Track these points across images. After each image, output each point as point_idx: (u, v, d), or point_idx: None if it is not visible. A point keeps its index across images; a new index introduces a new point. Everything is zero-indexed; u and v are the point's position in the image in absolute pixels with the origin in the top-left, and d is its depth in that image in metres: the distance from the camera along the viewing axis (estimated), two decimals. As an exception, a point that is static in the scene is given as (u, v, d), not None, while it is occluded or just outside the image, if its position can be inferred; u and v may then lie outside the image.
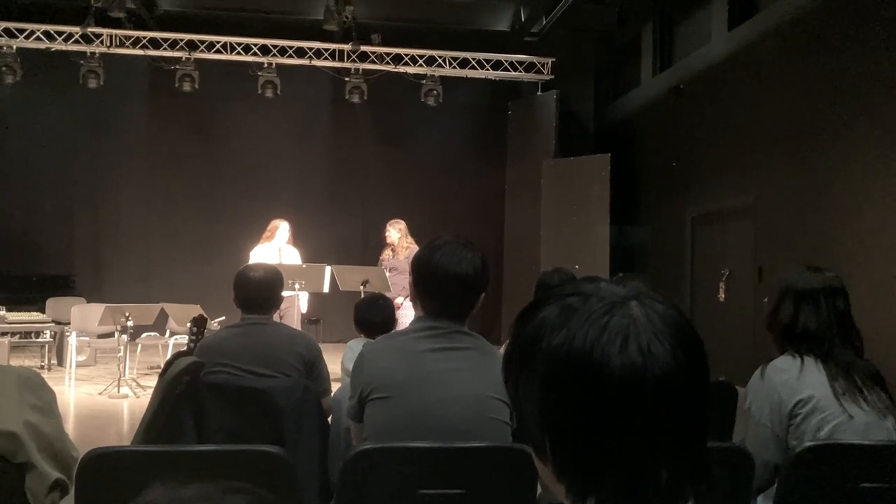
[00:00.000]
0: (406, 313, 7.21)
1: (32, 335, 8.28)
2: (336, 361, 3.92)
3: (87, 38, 9.84)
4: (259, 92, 10.14)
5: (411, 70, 10.53)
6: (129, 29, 9.94)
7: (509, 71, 10.85)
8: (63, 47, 9.90)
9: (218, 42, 10.24)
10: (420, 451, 1.94)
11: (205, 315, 3.69)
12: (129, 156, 11.26)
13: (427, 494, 1.91)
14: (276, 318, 3.79)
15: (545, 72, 10.84)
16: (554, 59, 10.79)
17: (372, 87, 10.35)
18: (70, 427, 5.68)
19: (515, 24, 11.00)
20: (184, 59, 10.04)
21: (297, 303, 7.42)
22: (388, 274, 7.53)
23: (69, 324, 8.28)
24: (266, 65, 10.16)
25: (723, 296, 8.33)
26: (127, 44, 10.07)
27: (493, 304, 9.96)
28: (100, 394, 7.25)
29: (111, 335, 7.77)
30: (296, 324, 7.18)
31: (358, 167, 11.63)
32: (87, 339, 8.19)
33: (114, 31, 9.91)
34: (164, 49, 10.11)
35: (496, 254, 10.50)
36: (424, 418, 2.04)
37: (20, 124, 10.91)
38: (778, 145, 7.47)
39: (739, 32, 8.18)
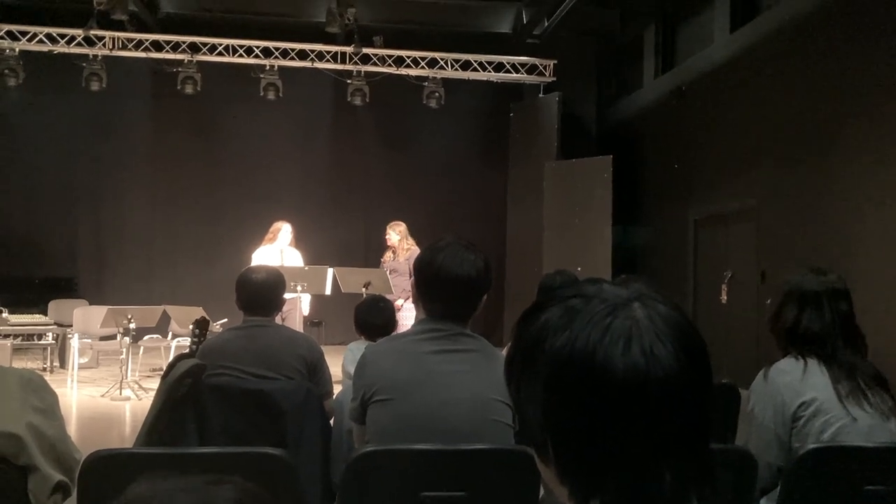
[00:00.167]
0: (407, 315, 7.22)
1: (35, 337, 8.28)
2: (338, 364, 3.92)
3: (89, 41, 9.86)
4: (261, 94, 10.15)
5: (413, 72, 10.53)
6: (132, 31, 9.95)
7: (511, 73, 10.85)
8: (66, 50, 9.92)
9: (220, 44, 10.25)
10: (423, 453, 1.94)
11: (207, 317, 3.69)
12: (131, 158, 11.27)
13: (429, 497, 1.91)
14: (278, 320, 3.79)
15: (547, 74, 10.85)
16: (556, 62, 10.79)
17: (374, 89, 10.36)
18: (72, 429, 5.68)
19: (517, 26, 11.01)
20: (186, 61, 10.06)
21: (299, 305, 7.42)
22: (388, 276, 7.54)
23: (71, 326, 8.28)
24: (268, 67, 10.17)
25: (725, 298, 8.31)
26: (129, 46, 10.08)
27: (496, 306, 9.96)
28: (102, 396, 7.25)
29: (113, 337, 7.76)
30: (298, 326, 7.18)
31: (360, 169, 11.64)
32: (89, 341, 8.19)
33: (116, 34, 9.92)
34: (167, 51, 10.13)
35: (498, 256, 10.49)
36: (427, 420, 2.03)
37: (23, 127, 10.92)
38: (780, 147, 7.47)
39: (741, 34, 8.18)
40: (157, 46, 10.14)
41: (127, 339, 7.22)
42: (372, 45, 10.25)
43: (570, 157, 10.33)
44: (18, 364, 7.42)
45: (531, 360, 0.83)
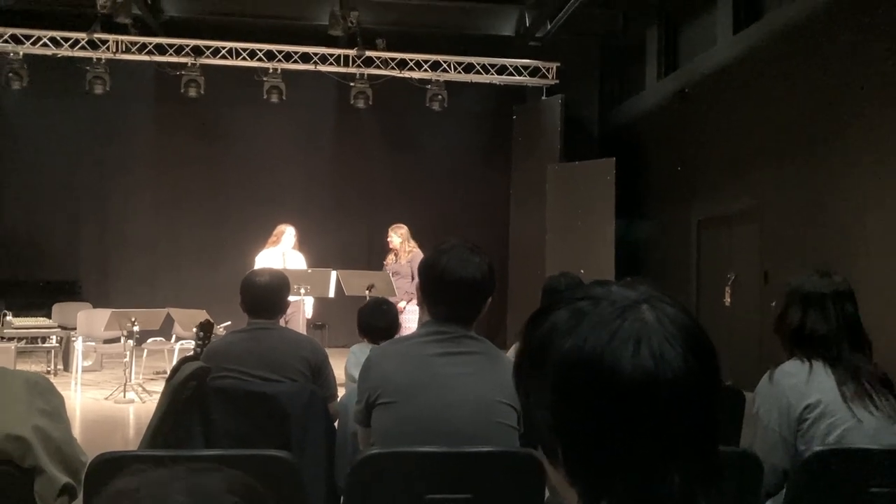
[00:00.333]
0: (409, 318, 7.23)
1: (39, 340, 8.29)
2: (341, 366, 3.92)
3: (93, 45, 9.88)
4: (264, 97, 10.16)
5: (416, 75, 10.54)
6: (135, 35, 9.98)
7: (514, 76, 10.86)
8: (69, 53, 9.94)
9: (223, 47, 10.27)
10: (428, 455, 1.94)
11: (211, 320, 3.69)
12: (134, 161, 11.30)
13: (434, 499, 1.91)
14: (280, 322, 3.79)
15: (550, 76, 10.85)
16: (559, 64, 10.80)
17: (377, 92, 10.37)
18: (76, 432, 5.65)
19: (520, 28, 11.02)
20: (189, 64, 10.08)
21: (302, 308, 7.43)
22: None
23: (75, 329, 8.29)
24: (271, 70, 10.18)
25: (728, 300, 8.31)
26: (133, 50, 10.10)
27: (498, 308, 9.96)
28: (106, 399, 7.26)
29: (117, 340, 7.77)
30: (301, 329, 7.18)
31: (363, 172, 11.65)
32: (93, 344, 8.20)
33: (120, 37, 9.94)
34: (170, 55, 10.15)
35: (501, 258, 10.49)
36: (431, 423, 2.03)
37: (27, 130, 10.96)
38: (783, 149, 7.46)
39: (744, 36, 8.18)
40: (161, 50, 10.16)
41: (130, 341, 7.22)
42: (375, 48, 10.26)
43: (572, 159, 10.33)
44: (22, 367, 7.43)
45: (539, 363, 0.83)
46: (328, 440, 3.11)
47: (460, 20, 10.85)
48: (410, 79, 10.53)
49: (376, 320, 3.84)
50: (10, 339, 7.93)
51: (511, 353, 3.32)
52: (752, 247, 7.96)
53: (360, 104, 10.35)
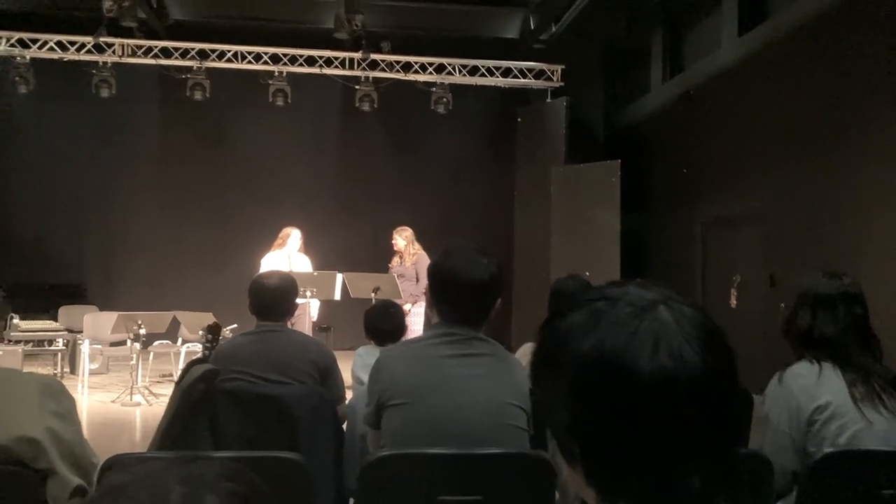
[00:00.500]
0: (414, 320, 7.26)
1: (45, 343, 8.32)
2: (346, 369, 3.92)
3: (99, 48, 9.92)
4: (270, 100, 10.18)
5: (421, 78, 10.55)
6: (141, 38, 10.01)
7: (518, 78, 10.86)
8: (76, 57, 9.98)
9: (229, 51, 10.30)
10: (438, 457, 1.94)
11: (219, 323, 3.71)
12: (140, 164, 11.33)
13: (445, 501, 1.91)
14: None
15: (554, 79, 10.86)
16: (563, 66, 10.80)
17: (382, 95, 10.38)
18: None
19: (524, 31, 11.02)
20: (195, 68, 10.10)
21: (308, 310, 7.44)
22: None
23: (82, 332, 8.31)
24: (277, 73, 10.21)
25: (734, 302, 8.30)
26: (138, 53, 10.13)
27: (503, 310, 9.89)
28: (112, 401, 7.28)
29: (123, 343, 7.79)
30: (307, 331, 7.19)
31: (368, 175, 11.67)
32: (99, 346, 8.22)
33: (125, 41, 9.98)
34: (176, 58, 10.18)
35: (506, 261, 10.49)
36: (441, 425, 2.04)
37: (33, 133, 11.00)
38: (788, 151, 7.45)
39: (749, 38, 8.17)
40: (167, 53, 10.19)
41: (137, 344, 7.24)
42: (380, 52, 10.28)
43: (577, 161, 10.33)
44: (29, 370, 7.45)
45: (557, 363, 0.83)
46: (336, 442, 3.12)
47: (465, 23, 10.86)
48: (415, 82, 10.54)
49: (383, 323, 3.85)
50: (17, 342, 7.96)
51: (518, 354, 3.33)
52: (758, 249, 7.95)
53: (366, 107, 10.36)
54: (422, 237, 8.05)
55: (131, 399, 7.18)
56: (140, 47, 10.11)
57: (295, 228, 7.79)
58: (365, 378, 3.08)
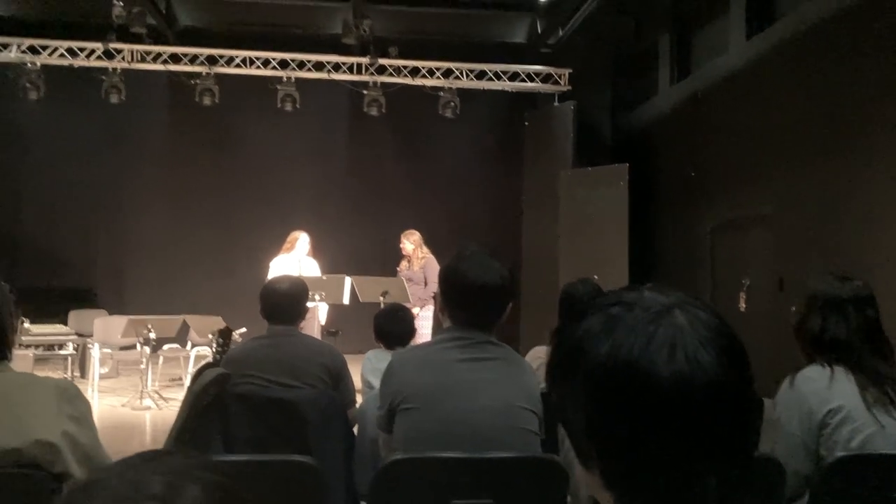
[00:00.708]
0: (423, 323, 7.26)
1: (55, 347, 8.34)
2: (356, 372, 3.93)
3: (108, 54, 9.98)
4: (278, 106, 10.22)
5: (429, 82, 10.58)
6: (150, 44, 10.07)
7: (526, 82, 10.87)
8: (85, 63, 10.04)
9: (237, 56, 10.34)
10: (451, 461, 1.95)
11: (229, 327, 3.73)
12: (150, 169, 11.39)
13: (458, 504, 1.92)
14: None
15: (562, 82, 10.86)
16: (570, 70, 10.81)
17: (390, 99, 10.41)
18: (94, 438, 5.71)
19: (532, 35, 11.04)
20: (204, 73, 10.15)
21: (316, 314, 7.46)
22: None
23: (92, 336, 8.35)
24: (285, 79, 10.24)
25: (743, 305, 8.28)
26: (148, 59, 10.20)
27: (512, 314, 9.86)
28: (122, 406, 7.31)
29: (133, 347, 7.83)
30: (315, 335, 7.21)
31: (376, 179, 11.70)
32: (109, 351, 8.26)
33: (135, 47, 10.04)
34: (185, 64, 10.23)
35: (514, 264, 10.48)
36: (453, 428, 2.05)
37: (43, 139, 11.08)
38: (797, 154, 7.44)
39: (757, 41, 8.16)
40: (175, 59, 10.24)
41: (147, 348, 7.27)
42: (387, 56, 10.31)
43: (585, 165, 10.33)
44: (39, 374, 7.48)
45: (573, 369, 0.84)
46: (347, 446, 3.13)
47: (472, 27, 10.88)
48: (423, 86, 10.57)
49: (392, 326, 3.86)
50: (28, 346, 7.98)
51: (529, 357, 3.33)
52: (767, 252, 7.93)
53: (373, 112, 10.39)
54: (430, 241, 8.06)
55: (141, 403, 7.21)
56: (149, 53, 10.17)
57: (303, 232, 7.81)
58: (374, 382, 3.10)
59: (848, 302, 2.25)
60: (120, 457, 1.93)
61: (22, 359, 7.57)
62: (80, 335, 8.59)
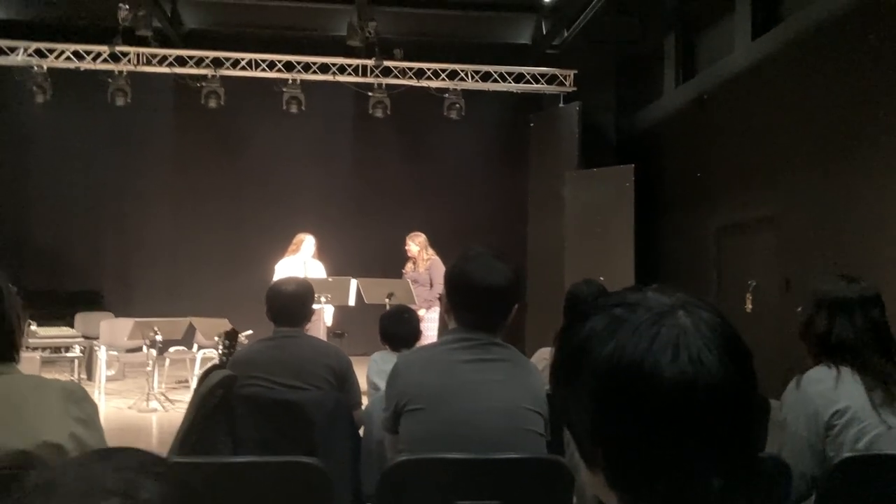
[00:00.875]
0: (428, 325, 7.26)
1: (62, 350, 8.38)
2: (361, 374, 3.94)
3: (114, 57, 10.02)
4: (284, 108, 10.24)
5: (434, 84, 10.59)
6: (156, 47, 10.10)
7: (531, 83, 10.87)
8: (92, 66, 10.08)
9: (243, 59, 10.37)
10: (456, 462, 1.96)
11: (236, 329, 3.73)
12: (155, 172, 11.43)
13: (463, 505, 1.92)
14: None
15: (567, 84, 10.86)
16: (576, 71, 10.80)
17: (395, 101, 10.42)
18: (101, 440, 5.72)
19: (537, 36, 11.04)
20: (209, 76, 10.18)
21: (322, 316, 7.47)
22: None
23: (98, 338, 8.38)
24: (290, 81, 10.26)
25: (749, 307, 8.26)
26: (154, 62, 10.23)
27: (517, 316, 9.88)
28: (129, 408, 7.32)
29: (140, 349, 7.85)
30: (321, 337, 7.21)
31: (381, 181, 11.71)
32: (115, 353, 8.28)
33: (141, 50, 10.07)
34: (190, 66, 10.26)
35: (519, 266, 10.47)
36: (459, 429, 2.05)
37: (50, 142, 11.13)
38: (802, 155, 7.42)
39: (763, 42, 8.15)
40: (181, 62, 10.27)
41: (153, 351, 7.29)
42: (393, 58, 10.32)
43: (590, 166, 10.32)
44: (46, 376, 7.50)
45: (577, 370, 0.84)
46: (353, 447, 3.13)
47: (477, 29, 10.89)
48: (428, 88, 10.58)
49: (398, 328, 3.87)
50: (35, 348, 8.02)
51: (535, 359, 3.33)
52: (773, 253, 7.91)
53: (378, 113, 10.40)
54: (435, 243, 8.06)
55: (148, 405, 7.23)
56: (155, 56, 10.20)
57: (309, 234, 7.83)
58: (380, 383, 3.11)
59: (854, 303, 2.24)
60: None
61: (29, 361, 7.60)
62: (86, 337, 8.62)
